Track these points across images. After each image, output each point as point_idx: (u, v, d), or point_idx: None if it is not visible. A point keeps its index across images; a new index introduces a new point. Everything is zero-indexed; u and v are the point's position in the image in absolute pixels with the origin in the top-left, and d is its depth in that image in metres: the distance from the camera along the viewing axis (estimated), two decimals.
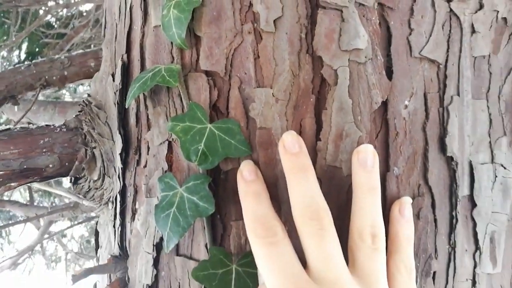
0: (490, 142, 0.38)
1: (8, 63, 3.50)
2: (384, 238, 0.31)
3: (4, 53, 3.22)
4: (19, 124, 0.61)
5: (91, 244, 3.46)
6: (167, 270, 0.40)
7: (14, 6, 2.24)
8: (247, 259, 0.35)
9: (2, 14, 2.79)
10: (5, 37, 3.22)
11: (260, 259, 0.31)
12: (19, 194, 3.77)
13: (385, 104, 0.35)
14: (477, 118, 0.38)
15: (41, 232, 1.84)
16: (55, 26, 3.12)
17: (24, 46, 3.44)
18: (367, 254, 0.30)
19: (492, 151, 0.38)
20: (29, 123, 1.74)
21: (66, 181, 3.48)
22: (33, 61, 1.13)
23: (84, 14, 2.90)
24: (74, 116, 0.54)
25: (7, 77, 1.06)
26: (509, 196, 0.39)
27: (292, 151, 0.32)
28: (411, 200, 0.34)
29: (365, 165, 0.31)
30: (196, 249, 0.38)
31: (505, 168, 0.39)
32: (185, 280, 0.38)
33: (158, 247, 0.40)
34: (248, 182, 0.33)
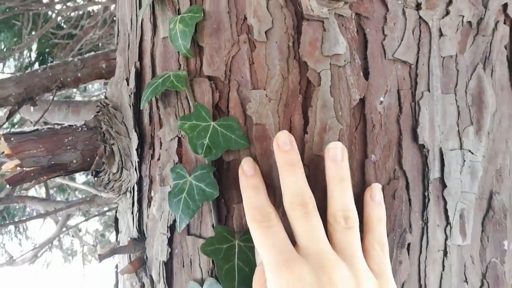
0: (458, 131, 0.43)
1: (19, 64, 3.60)
2: (357, 219, 0.37)
3: (16, 55, 3.30)
4: (37, 125, 0.67)
5: (105, 238, 3.56)
6: (179, 248, 0.46)
7: (26, 10, 2.32)
8: (247, 235, 0.41)
9: (13, 18, 2.87)
10: (15, 39, 3.31)
11: (257, 240, 0.37)
12: (35, 190, 3.89)
13: (362, 100, 0.40)
14: (446, 111, 0.43)
15: (60, 226, 1.94)
16: (64, 27, 3.19)
17: (34, 47, 3.52)
18: (342, 233, 0.36)
19: (460, 139, 0.44)
20: (45, 122, 1.81)
21: (79, 177, 3.58)
22: (49, 65, 1.20)
23: (92, 14, 2.97)
24: (93, 116, 0.61)
25: (25, 80, 1.13)
26: (476, 178, 0.44)
27: (284, 149, 0.38)
28: (380, 186, 0.40)
29: (335, 159, 0.37)
30: (204, 229, 0.44)
31: (472, 153, 0.44)
32: (195, 256, 0.45)
33: (172, 228, 0.47)
34: (248, 177, 0.39)
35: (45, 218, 2.17)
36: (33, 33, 2.99)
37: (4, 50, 3.12)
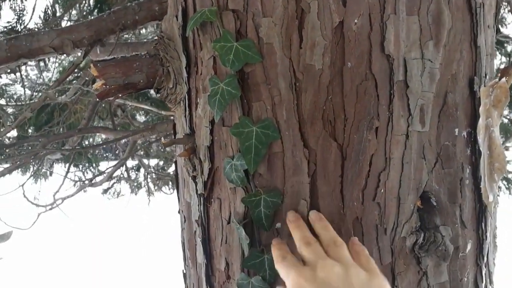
0: (420, 44, 0.57)
1: (79, 12, 3.89)
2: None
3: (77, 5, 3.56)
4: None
5: (165, 171, 3.96)
6: (217, 135, 0.66)
7: None
8: (262, 124, 0.60)
9: None
10: None
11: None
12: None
13: (341, 23, 0.55)
14: (410, 28, 0.57)
15: (128, 150, 2.27)
16: None
17: None
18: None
19: (422, 50, 0.58)
20: None
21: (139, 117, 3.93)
22: (112, 10, 1.40)
23: None
24: (152, 46, 0.80)
25: (95, 24, 1.35)
26: (434, 80, 0.59)
27: (294, 223, 0.58)
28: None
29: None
30: (234, 121, 0.63)
31: (431, 61, 0.58)
32: (228, 140, 0.64)
33: (212, 122, 0.66)
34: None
35: (116, 146, 2.52)
36: None
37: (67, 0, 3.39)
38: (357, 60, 0.56)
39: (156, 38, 0.79)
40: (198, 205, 0.73)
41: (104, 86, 0.78)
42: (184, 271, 0.87)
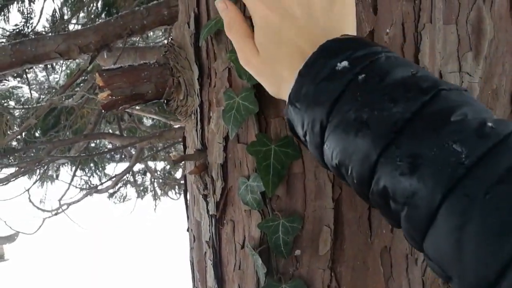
0: (458, 56, 0.52)
1: (87, 15, 3.87)
2: None
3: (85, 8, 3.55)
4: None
5: (172, 175, 3.93)
6: (232, 153, 0.61)
7: None
8: (281, 142, 0.55)
9: None
10: None
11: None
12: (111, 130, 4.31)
13: (372, 32, 0.50)
14: (447, 39, 0.51)
15: (135, 157, 2.24)
16: None
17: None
18: None
19: (459, 63, 0.52)
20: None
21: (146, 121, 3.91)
22: (119, 14, 1.36)
23: None
24: (162, 55, 0.75)
25: (102, 29, 1.31)
26: (473, 95, 0.53)
27: None
28: None
29: None
30: (250, 138, 0.58)
31: (470, 75, 0.52)
32: (244, 158, 0.59)
33: (226, 139, 0.61)
34: None
35: (122, 151, 2.49)
36: None
37: (75, 3, 3.37)
38: None
39: (166, 44, 0.74)
40: (209, 226, 0.68)
41: (110, 97, 0.74)
42: None
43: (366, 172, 0.31)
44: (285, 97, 0.39)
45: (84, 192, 2.57)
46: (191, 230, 0.78)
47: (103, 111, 0.74)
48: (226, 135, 0.61)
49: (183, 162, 0.70)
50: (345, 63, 0.34)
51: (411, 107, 0.30)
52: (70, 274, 5.72)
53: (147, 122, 4.20)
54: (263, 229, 0.57)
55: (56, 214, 2.44)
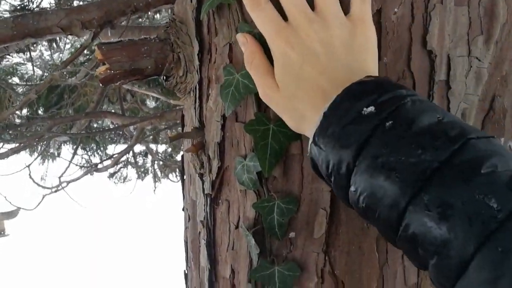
0: (468, 39, 0.50)
1: None
2: None
3: None
4: None
5: (173, 158, 3.93)
6: (230, 132, 0.59)
7: None
8: (280, 121, 0.53)
9: None
10: None
11: (257, 22, 0.46)
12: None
13: (379, 11, 0.48)
14: (458, 21, 0.49)
15: (135, 137, 2.22)
16: None
17: None
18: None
19: (469, 47, 0.50)
20: None
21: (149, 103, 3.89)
22: None
23: None
24: (163, 30, 0.73)
25: (105, 5, 1.28)
26: (481, 82, 0.51)
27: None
28: None
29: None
30: (248, 117, 0.57)
31: (479, 60, 0.51)
32: (241, 138, 0.58)
33: (224, 117, 0.59)
34: None
35: (123, 132, 2.48)
36: None
37: None
38: (394, 55, 0.49)
39: (169, 19, 0.72)
40: (204, 205, 0.67)
41: (108, 71, 0.72)
42: (186, 272, 0.81)
43: (394, 218, 0.32)
44: (306, 134, 0.41)
45: (85, 170, 2.57)
46: (186, 209, 0.77)
47: (101, 85, 0.73)
48: (224, 113, 0.59)
49: (182, 142, 0.68)
50: (371, 108, 0.35)
51: (439, 156, 0.30)
52: (69, 251, 5.79)
53: (150, 104, 4.19)
54: (258, 210, 0.55)
55: (56, 191, 2.45)
